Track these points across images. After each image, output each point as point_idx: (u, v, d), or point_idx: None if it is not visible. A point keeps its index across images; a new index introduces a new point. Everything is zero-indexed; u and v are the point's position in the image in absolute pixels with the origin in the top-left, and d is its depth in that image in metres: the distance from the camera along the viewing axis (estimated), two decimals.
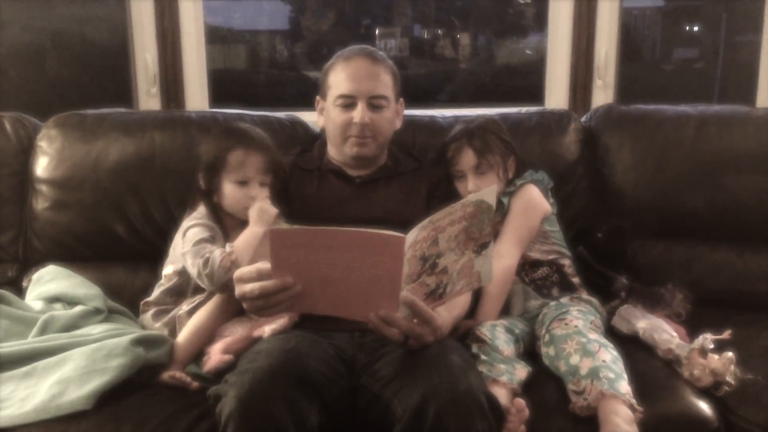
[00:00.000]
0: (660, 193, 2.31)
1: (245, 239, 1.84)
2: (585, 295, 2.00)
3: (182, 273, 1.92)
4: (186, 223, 1.93)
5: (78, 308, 1.91)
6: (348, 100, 1.95)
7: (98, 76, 2.84)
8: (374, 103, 1.95)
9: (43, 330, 1.80)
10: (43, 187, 2.24)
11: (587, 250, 2.18)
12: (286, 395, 1.44)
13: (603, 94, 2.79)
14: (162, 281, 1.97)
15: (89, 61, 2.85)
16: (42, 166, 2.25)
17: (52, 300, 1.96)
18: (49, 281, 2.03)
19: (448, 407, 1.42)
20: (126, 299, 2.04)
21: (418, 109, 2.44)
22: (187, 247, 1.86)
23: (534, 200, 2.05)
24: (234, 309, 1.83)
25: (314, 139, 2.24)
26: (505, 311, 1.98)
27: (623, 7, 2.79)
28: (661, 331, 1.88)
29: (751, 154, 2.29)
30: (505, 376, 1.69)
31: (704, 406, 1.69)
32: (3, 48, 2.72)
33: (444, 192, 2.03)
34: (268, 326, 1.73)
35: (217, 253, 1.79)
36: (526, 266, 2.01)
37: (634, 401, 1.59)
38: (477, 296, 1.91)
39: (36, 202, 2.25)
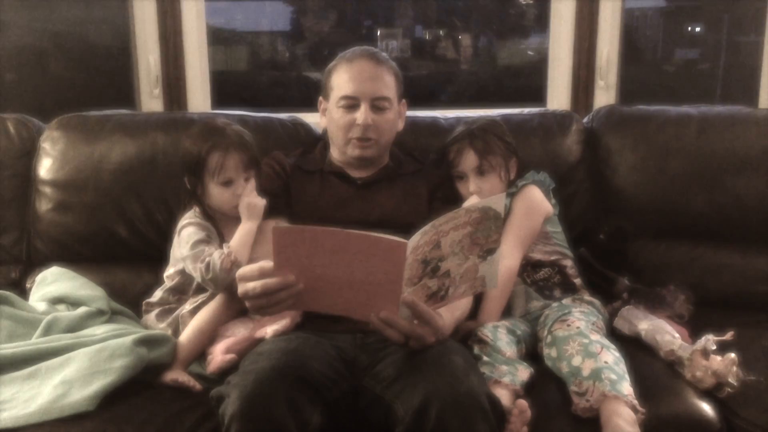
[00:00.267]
0: (662, 194, 2.31)
1: (241, 237, 1.86)
2: (587, 297, 2.00)
3: (183, 272, 1.94)
4: (180, 223, 1.95)
5: (81, 309, 1.91)
6: (351, 102, 1.95)
7: (101, 78, 2.85)
8: (377, 105, 1.95)
9: (47, 331, 1.81)
10: (46, 189, 2.25)
11: (589, 251, 2.19)
12: (289, 396, 1.44)
13: (605, 94, 2.79)
14: (165, 283, 1.98)
15: (92, 63, 2.86)
16: (45, 167, 2.26)
17: (56, 301, 1.97)
18: (52, 282, 2.03)
19: (449, 408, 1.42)
20: (129, 300, 2.05)
21: (419, 110, 2.44)
22: (185, 251, 1.88)
23: (536, 201, 2.05)
24: (237, 308, 1.85)
25: (316, 141, 2.24)
26: (507, 312, 1.98)
27: (625, 7, 2.79)
28: (663, 332, 1.88)
29: (753, 155, 2.29)
30: (507, 377, 1.69)
31: (706, 408, 1.68)
32: (6, 50, 2.73)
33: (446, 193, 2.03)
34: (270, 327, 1.73)
35: (216, 256, 1.81)
36: (528, 267, 2.01)
37: (636, 402, 1.59)
38: (479, 297, 1.91)
39: (39, 203, 2.25)
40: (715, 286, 2.24)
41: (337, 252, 1.38)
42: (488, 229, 1.47)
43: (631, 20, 3.04)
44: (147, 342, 1.73)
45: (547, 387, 1.75)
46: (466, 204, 1.90)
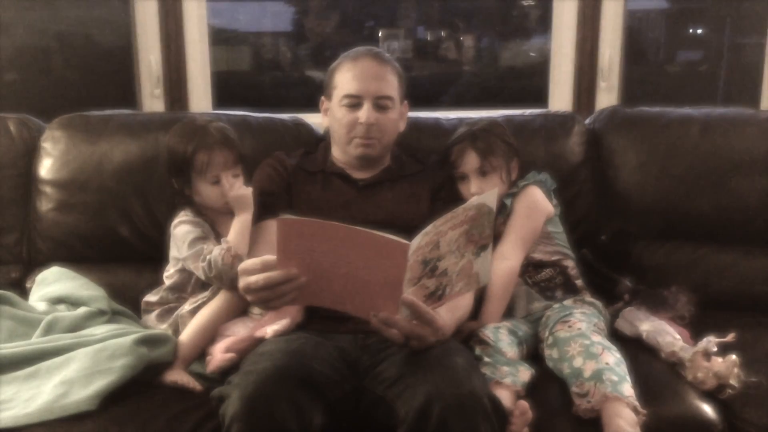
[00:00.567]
0: (664, 195, 2.31)
1: (237, 230, 1.88)
2: (588, 298, 1.99)
3: (181, 270, 1.96)
4: (173, 222, 1.97)
5: (82, 309, 1.91)
6: (354, 100, 1.95)
7: (102, 78, 2.85)
8: (380, 104, 1.95)
9: (47, 331, 1.81)
10: (47, 189, 2.25)
11: (591, 253, 2.19)
12: (290, 397, 1.44)
13: (607, 96, 2.79)
14: (164, 283, 1.99)
15: (93, 63, 2.86)
16: (46, 167, 2.26)
17: (56, 301, 1.97)
18: (53, 282, 2.03)
19: (451, 409, 1.42)
20: (130, 301, 2.04)
21: (421, 111, 2.44)
22: (184, 252, 1.91)
23: (537, 202, 2.05)
24: (238, 307, 1.85)
25: (318, 141, 2.24)
26: (509, 313, 1.98)
27: (627, 9, 2.79)
28: (665, 333, 1.88)
29: (755, 156, 2.29)
30: (509, 378, 1.69)
31: (708, 409, 1.68)
32: (7, 50, 2.73)
33: (447, 194, 2.03)
34: (270, 327, 1.74)
35: (216, 253, 1.82)
36: (530, 267, 2.01)
37: (637, 404, 1.59)
38: (480, 298, 1.91)
39: (40, 203, 2.25)
40: (717, 288, 2.24)
41: (340, 247, 1.38)
42: (482, 226, 1.48)
43: (633, 22, 3.04)
44: (148, 341, 1.73)
45: (549, 388, 1.75)
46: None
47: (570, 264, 2.05)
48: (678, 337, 1.86)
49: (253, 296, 1.47)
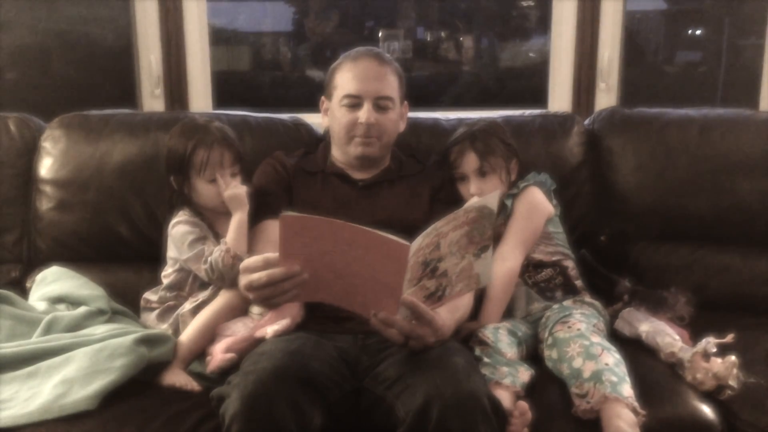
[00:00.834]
0: (663, 196, 2.31)
1: (235, 230, 1.89)
2: (588, 298, 2.00)
3: (180, 270, 1.97)
4: (170, 223, 1.98)
5: (82, 309, 1.91)
6: (354, 100, 1.95)
7: (102, 77, 2.85)
8: (380, 104, 1.96)
9: (47, 330, 1.81)
10: (47, 188, 2.24)
11: (590, 253, 2.19)
12: (290, 397, 1.44)
13: (606, 97, 2.79)
14: (162, 283, 1.99)
15: (93, 62, 2.86)
16: (46, 166, 2.25)
17: (56, 301, 1.97)
18: (52, 282, 2.03)
19: (451, 409, 1.42)
20: (129, 300, 2.04)
21: (421, 112, 2.44)
22: (185, 253, 1.92)
23: (537, 202, 2.05)
24: (238, 307, 1.86)
25: (318, 141, 2.24)
26: (508, 314, 1.98)
27: (626, 10, 2.79)
28: (664, 334, 1.88)
29: (754, 157, 2.29)
30: (508, 379, 1.69)
31: (707, 410, 1.68)
32: (7, 49, 2.73)
33: (447, 195, 2.03)
34: (270, 327, 1.73)
35: (216, 255, 1.84)
36: (530, 268, 2.01)
37: (636, 405, 1.59)
38: (480, 298, 1.91)
39: (40, 202, 2.25)
40: (716, 289, 2.24)
41: (342, 245, 1.38)
42: (483, 227, 1.48)
43: (632, 23, 3.05)
44: (147, 341, 1.73)
45: (548, 389, 1.75)
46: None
47: (570, 264, 2.05)
48: (677, 337, 1.86)
49: (255, 294, 1.47)
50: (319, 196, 1.99)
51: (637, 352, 1.85)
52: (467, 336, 1.84)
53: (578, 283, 2.03)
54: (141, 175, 2.22)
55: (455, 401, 1.43)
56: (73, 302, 1.96)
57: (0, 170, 2.26)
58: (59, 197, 2.23)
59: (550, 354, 1.82)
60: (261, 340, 1.71)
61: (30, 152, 2.29)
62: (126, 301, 2.03)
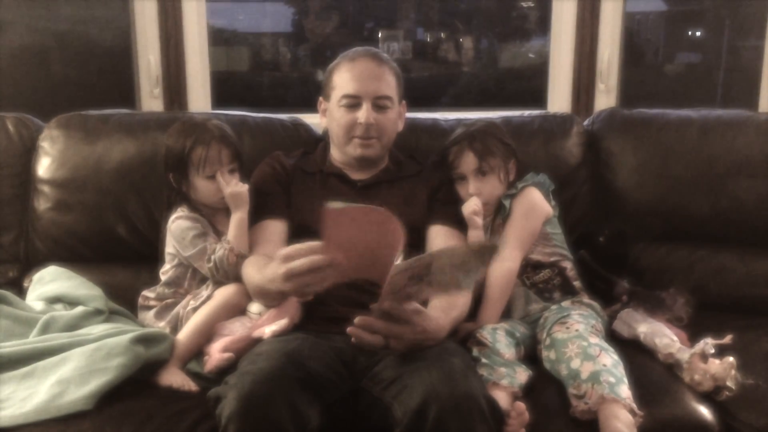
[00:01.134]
0: (662, 197, 2.31)
1: (236, 229, 1.90)
2: (586, 299, 1.99)
3: (178, 265, 1.97)
4: (169, 219, 1.98)
5: (79, 309, 1.91)
6: (353, 101, 1.95)
7: (101, 77, 2.85)
8: (379, 104, 1.96)
9: (44, 330, 1.81)
10: (45, 188, 2.24)
11: (589, 254, 2.18)
12: (287, 397, 1.44)
13: (606, 97, 2.79)
14: (161, 280, 2.00)
15: (92, 62, 2.86)
16: (44, 166, 2.25)
17: (53, 301, 1.97)
18: (50, 282, 2.03)
19: (448, 410, 1.42)
20: (127, 300, 2.04)
21: (420, 112, 2.44)
22: (187, 250, 1.93)
23: (536, 203, 2.05)
24: (236, 306, 1.87)
25: (317, 142, 2.24)
26: (506, 314, 1.97)
27: (626, 11, 2.79)
28: (662, 335, 1.88)
29: (753, 159, 2.29)
30: (506, 380, 1.69)
31: (705, 411, 1.68)
32: (6, 49, 2.73)
33: (445, 195, 2.03)
34: (268, 327, 1.73)
35: (221, 253, 1.86)
36: (528, 268, 2.01)
37: (634, 405, 1.59)
38: (478, 299, 1.91)
39: (38, 202, 2.25)
40: (715, 290, 2.24)
41: (373, 227, 1.42)
42: (483, 260, 1.49)
43: (632, 24, 3.05)
44: (144, 340, 1.73)
45: (546, 389, 1.74)
46: (473, 235, 1.94)
47: (568, 265, 2.05)
48: (675, 338, 1.86)
49: (294, 282, 1.46)
50: (317, 196, 1.98)
51: (635, 353, 1.85)
52: (465, 337, 1.84)
53: (576, 283, 2.03)
54: (139, 175, 2.22)
55: (452, 402, 1.42)
56: (70, 302, 1.95)
57: None
58: (57, 197, 2.23)
59: (548, 355, 1.81)
60: (259, 340, 1.71)
61: (28, 152, 2.29)
62: (123, 301, 2.03)
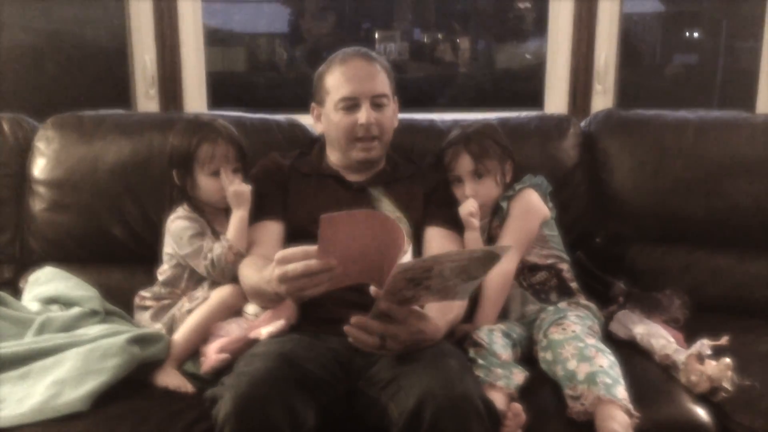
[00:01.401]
0: (659, 199, 2.31)
1: (235, 227, 1.90)
2: (583, 300, 1.99)
3: (175, 266, 1.97)
4: (169, 218, 1.97)
5: (75, 310, 1.91)
6: (351, 102, 1.94)
7: (97, 78, 2.85)
8: (377, 102, 1.95)
9: (40, 331, 1.81)
10: (41, 189, 2.24)
11: (586, 255, 2.18)
12: (284, 398, 1.43)
13: (602, 99, 2.79)
14: (158, 280, 2.00)
15: (88, 63, 2.86)
16: (39, 167, 2.25)
17: (49, 301, 1.97)
18: (45, 283, 2.03)
19: (444, 411, 1.41)
20: (122, 301, 2.03)
21: (417, 113, 2.44)
22: (185, 249, 1.92)
23: (533, 204, 2.05)
24: (232, 307, 1.87)
25: (313, 142, 2.23)
26: (503, 315, 1.97)
27: (623, 12, 2.79)
28: (659, 336, 1.88)
29: (750, 160, 2.29)
30: (502, 381, 1.69)
31: (701, 412, 1.68)
32: (1, 49, 2.72)
33: (441, 197, 2.02)
34: (264, 328, 1.73)
35: (218, 251, 1.86)
36: (525, 270, 2.01)
37: (630, 407, 1.59)
38: (475, 300, 1.91)
39: (33, 203, 2.24)
40: (711, 291, 2.24)
41: (369, 233, 1.42)
42: (483, 267, 1.49)
43: (629, 25, 3.05)
44: (139, 341, 1.73)
45: (542, 390, 1.74)
46: (470, 237, 1.94)
47: (565, 267, 2.05)
48: (672, 340, 1.87)
49: (288, 285, 1.45)
50: (313, 197, 1.98)
51: (632, 354, 1.85)
52: (462, 338, 1.84)
53: (573, 285, 2.03)
54: (135, 176, 2.22)
55: (448, 403, 1.42)
56: (66, 303, 1.95)
57: None
58: (53, 198, 2.23)
59: (544, 356, 1.81)
60: (255, 341, 1.71)
61: (23, 152, 2.29)
62: (119, 302, 2.03)
